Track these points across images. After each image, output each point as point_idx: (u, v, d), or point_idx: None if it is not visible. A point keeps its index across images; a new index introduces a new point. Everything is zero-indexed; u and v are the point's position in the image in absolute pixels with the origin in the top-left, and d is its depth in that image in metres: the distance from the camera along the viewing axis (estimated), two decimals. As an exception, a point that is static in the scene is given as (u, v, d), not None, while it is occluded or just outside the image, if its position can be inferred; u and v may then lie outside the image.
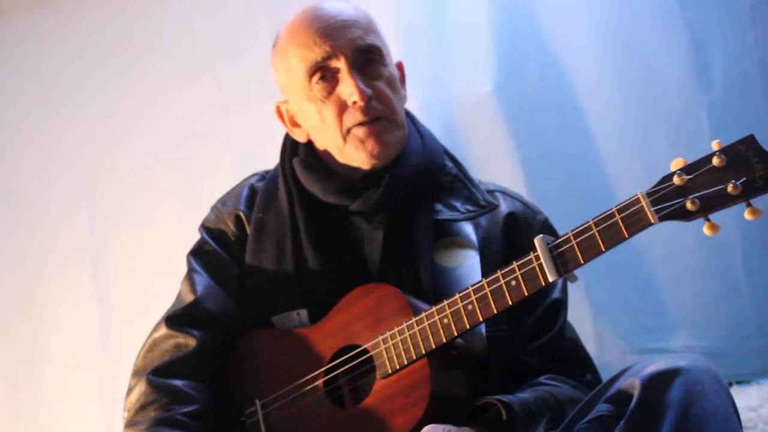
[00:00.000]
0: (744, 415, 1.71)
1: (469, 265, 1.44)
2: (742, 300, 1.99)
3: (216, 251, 1.56)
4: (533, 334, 1.46)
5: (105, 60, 2.56)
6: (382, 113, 1.45)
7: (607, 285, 2.05)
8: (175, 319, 1.50)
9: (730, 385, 1.90)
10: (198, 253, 1.59)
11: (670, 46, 2.06)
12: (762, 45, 2.01)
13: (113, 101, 2.54)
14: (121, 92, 2.53)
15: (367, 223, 1.47)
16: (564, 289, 1.55)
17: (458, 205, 1.49)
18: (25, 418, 2.51)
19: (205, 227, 1.62)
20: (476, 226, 1.49)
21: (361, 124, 1.44)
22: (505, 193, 1.59)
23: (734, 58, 2.02)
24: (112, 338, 2.41)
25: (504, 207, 1.54)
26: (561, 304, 1.52)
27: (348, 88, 1.43)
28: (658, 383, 1.09)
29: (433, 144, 1.56)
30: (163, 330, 1.50)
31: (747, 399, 1.84)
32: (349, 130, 1.45)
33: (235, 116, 2.41)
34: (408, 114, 1.57)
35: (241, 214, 1.57)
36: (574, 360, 1.50)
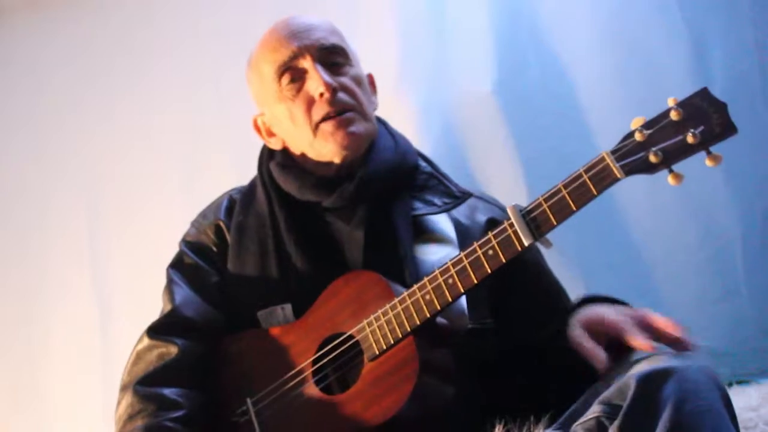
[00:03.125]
0: (744, 415, 1.71)
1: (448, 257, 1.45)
2: (742, 300, 1.99)
3: (195, 263, 1.58)
4: (542, 319, 1.47)
5: (105, 60, 2.56)
6: (349, 105, 1.49)
7: (607, 285, 2.04)
8: (155, 329, 1.51)
9: (730, 385, 1.90)
10: (177, 265, 1.60)
11: (670, 46, 2.06)
12: (762, 45, 2.01)
13: (113, 101, 2.54)
14: (121, 92, 2.54)
15: (346, 223, 1.49)
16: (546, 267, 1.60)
17: (435, 200, 1.53)
18: (25, 419, 2.51)
19: (185, 241, 1.63)
20: (455, 224, 1.52)
21: (329, 118, 1.48)
22: (482, 198, 1.62)
23: (734, 58, 2.02)
24: (112, 338, 2.41)
25: (483, 211, 1.57)
26: (557, 284, 1.59)
27: (314, 82, 1.48)
28: (653, 382, 1.10)
29: (405, 144, 1.60)
30: (146, 341, 1.51)
31: (747, 399, 1.83)
32: (317, 125, 1.49)
33: (235, 116, 2.40)
34: (379, 119, 1.61)
35: (221, 223, 1.60)
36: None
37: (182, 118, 2.46)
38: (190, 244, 1.61)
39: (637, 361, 1.17)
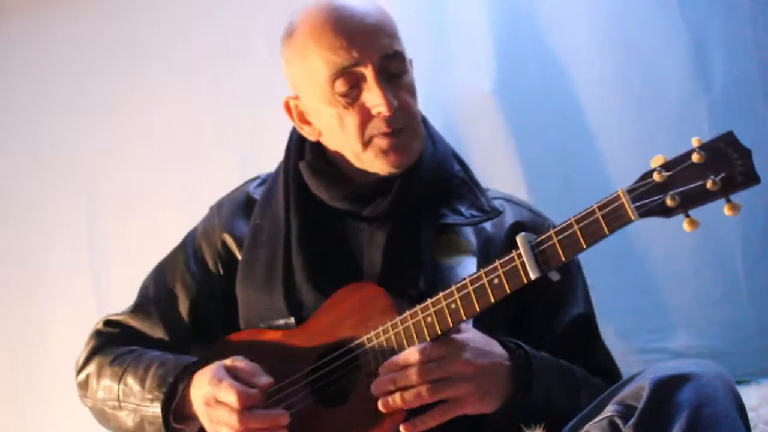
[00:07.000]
0: (744, 416, 1.71)
1: (467, 268, 1.42)
2: (742, 300, 1.99)
3: (185, 271, 1.60)
4: (562, 351, 1.44)
5: (105, 60, 2.57)
6: (406, 123, 1.43)
7: (607, 285, 2.05)
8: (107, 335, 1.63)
9: (730, 384, 1.90)
10: (166, 264, 1.65)
11: (670, 46, 2.06)
12: (762, 45, 2.01)
13: (113, 101, 2.54)
14: (121, 92, 2.54)
15: (368, 225, 1.45)
16: (589, 303, 1.55)
17: (463, 209, 1.47)
18: (25, 418, 2.51)
19: (193, 236, 1.63)
20: (480, 232, 1.48)
21: (384, 134, 1.41)
22: (511, 200, 1.58)
23: (734, 58, 2.02)
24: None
25: (510, 215, 1.53)
26: (589, 319, 1.53)
27: (375, 99, 1.39)
28: (669, 386, 1.09)
29: (443, 149, 1.54)
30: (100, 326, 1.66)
31: (747, 399, 1.81)
32: (371, 139, 1.42)
33: (235, 116, 2.41)
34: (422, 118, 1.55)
35: (228, 237, 1.57)
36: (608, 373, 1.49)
37: (183, 118, 2.46)
38: (195, 243, 1.62)
39: (654, 365, 1.17)
